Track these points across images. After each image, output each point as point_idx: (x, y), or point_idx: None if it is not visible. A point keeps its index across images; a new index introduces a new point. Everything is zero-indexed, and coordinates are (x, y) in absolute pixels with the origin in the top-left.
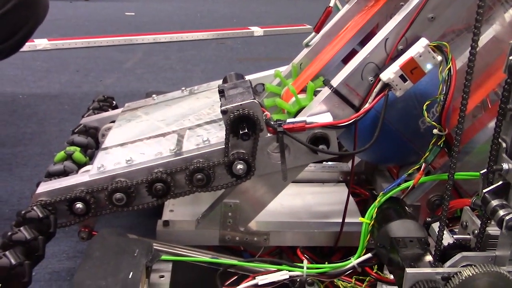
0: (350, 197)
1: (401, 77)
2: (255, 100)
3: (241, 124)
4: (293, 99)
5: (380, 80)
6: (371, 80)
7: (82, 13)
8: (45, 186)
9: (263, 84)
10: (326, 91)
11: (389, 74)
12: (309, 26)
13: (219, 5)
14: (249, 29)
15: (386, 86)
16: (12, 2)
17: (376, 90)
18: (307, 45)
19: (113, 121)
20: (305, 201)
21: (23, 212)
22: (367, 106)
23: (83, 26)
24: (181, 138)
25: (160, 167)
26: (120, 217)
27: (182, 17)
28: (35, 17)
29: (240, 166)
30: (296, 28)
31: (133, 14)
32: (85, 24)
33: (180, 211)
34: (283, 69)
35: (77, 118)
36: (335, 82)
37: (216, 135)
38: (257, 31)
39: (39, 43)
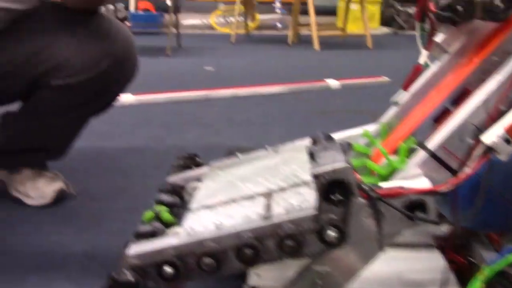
0: (447, 265)
1: (506, 140)
2: (348, 165)
3: (333, 189)
4: (384, 161)
5: (481, 142)
6: (471, 143)
7: (164, 68)
8: (136, 249)
9: (349, 144)
10: (421, 154)
11: (492, 137)
12: (387, 78)
13: (295, 59)
14: (325, 82)
15: (489, 149)
16: (105, 63)
17: (477, 153)
18: (395, 103)
19: (199, 179)
20: (394, 267)
21: (115, 276)
22: (468, 170)
23: (165, 81)
24: (269, 201)
25: (249, 232)
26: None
27: (260, 71)
28: (126, 77)
29: (332, 233)
30: (374, 81)
31: (212, 69)
32: (167, 79)
33: (267, 275)
34: (370, 127)
35: (161, 173)
36: (432, 144)
37: (306, 200)
38: (334, 83)
39: (125, 98)
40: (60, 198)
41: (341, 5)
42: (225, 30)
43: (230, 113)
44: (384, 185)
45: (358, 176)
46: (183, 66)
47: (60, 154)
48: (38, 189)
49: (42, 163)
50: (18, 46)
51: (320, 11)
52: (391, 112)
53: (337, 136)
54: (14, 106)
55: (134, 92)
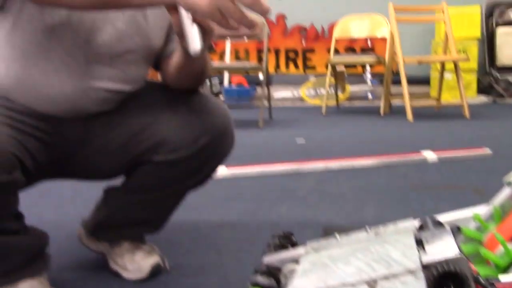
0: None
1: None
2: (462, 256)
3: (446, 282)
4: (501, 249)
5: None
6: None
7: (256, 141)
8: None
9: (458, 227)
10: None
11: None
12: (488, 151)
13: (387, 129)
14: (421, 154)
15: None
16: (204, 139)
17: None
18: (509, 184)
19: (296, 261)
20: None
21: None
22: None
23: (257, 154)
24: None
25: None
26: None
27: (352, 143)
28: (224, 152)
29: None
30: (474, 153)
31: (304, 141)
32: (259, 152)
33: None
34: (480, 209)
35: (253, 249)
36: None
37: None
38: (430, 156)
39: (219, 171)
40: (156, 272)
41: (434, 75)
42: (316, 102)
43: (322, 186)
44: (504, 278)
45: (473, 268)
46: (275, 138)
47: (158, 228)
48: (136, 262)
49: (140, 236)
50: (124, 124)
51: (412, 81)
52: (504, 193)
53: (444, 218)
54: (116, 181)
55: (227, 165)
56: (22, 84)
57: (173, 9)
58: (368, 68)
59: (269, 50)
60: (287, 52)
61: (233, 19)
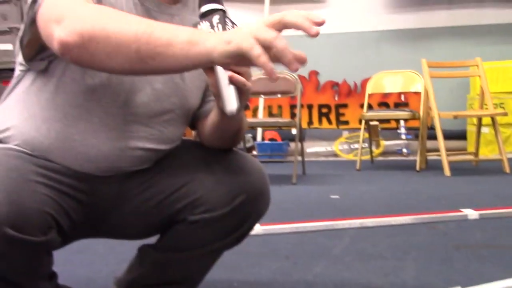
0: None
1: None
2: None
3: None
4: None
5: None
6: None
7: (290, 196)
8: None
9: None
10: None
11: None
12: None
13: (424, 185)
14: (462, 211)
15: None
16: (240, 199)
17: None
18: None
19: None
20: None
21: None
22: None
23: (291, 210)
24: None
25: None
26: None
27: (387, 199)
28: (259, 211)
29: None
30: None
31: (338, 197)
32: (293, 208)
33: None
34: None
35: None
36: None
37: None
38: (472, 214)
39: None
40: None
41: (470, 129)
42: (350, 157)
43: (358, 245)
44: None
45: None
46: (309, 194)
47: (192, 287)
48: None
49: None
50: (159, 183)
51: (448, 136)
52: None
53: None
54: (151, 239)
55: (261, 222)
56: (62, 144)
57: (209, 69)
58: (402, 122)
59: (302, 105)
60: (320, 107)
61: (276, 49)
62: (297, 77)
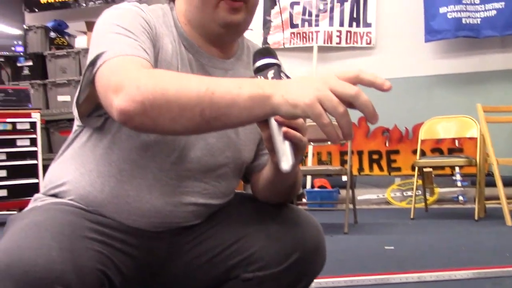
0: None
1: None
2: None
3: None
4: None
5: None
6: None
7: (342, 247)
8: None
9: None
10: None
11: None
12: None
13: (484, 236)
14: None
15: None
16: (295, 256)
17: None
18: None
19: None
20: None
21: None
22: None
23: (343, 261)
24: None
25: None
26: None
27: (446, 250)
28: (315, 268)
29: None
30: None
31: (393, 247)
32: (346, 259)
33: None
34: None
35: None
36: None
37: None
38: None
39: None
40: None
41: None
42: (403, 205)
43: None
44: None
45: None
46: (362, 244)
47: None
48: None
49: None
50: (212, 238)
51: (508, 182)
52: None
53: None
54: None
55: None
56: (116, 199)
57: (264, 124)
58: (457, 169)
59: (352, 151)
60: (370, 153)
61: (335, 115)
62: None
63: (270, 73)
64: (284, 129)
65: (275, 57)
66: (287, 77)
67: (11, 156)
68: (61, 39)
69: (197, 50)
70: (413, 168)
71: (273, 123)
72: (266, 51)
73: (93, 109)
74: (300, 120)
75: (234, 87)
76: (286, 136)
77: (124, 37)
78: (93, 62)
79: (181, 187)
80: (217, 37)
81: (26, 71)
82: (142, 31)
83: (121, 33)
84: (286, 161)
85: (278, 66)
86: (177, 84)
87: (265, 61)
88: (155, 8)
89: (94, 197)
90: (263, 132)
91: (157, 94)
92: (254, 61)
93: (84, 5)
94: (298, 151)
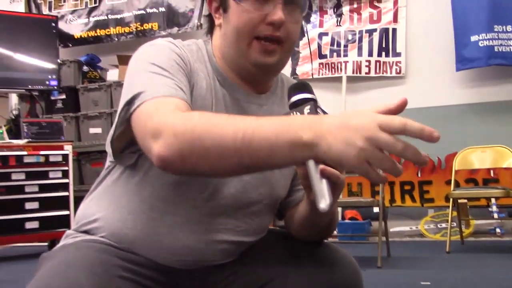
0: None
1: None
2: None
3: None
4: None
5: None
6: None
7: (376, 282)
8: None
9: None
10: None
11: None
12: None
13: None
14: None
15: None
16: None
17: None
18: None
19: None
20: None
21: None
22: None
23: None
24: None
25: None
26: None
27: (485, 286)
28: None
29: None
30: None
31: (429, 283)
32: None
33: None
34: None
35: None
36: None
37: None
38: None
39: None
40: None
41: None
42: (437, 237)
43: None
44: None
45: None
46: (397, 279)
47: None
48: None
49: None
50: (244, 277)
51: None
52: None
53: None
54: None
55: None
56: (147, 237)
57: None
58: (493, 200)
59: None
60: (402, 184)
61: (382, 168)
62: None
63: (306, 109)
64: (321, 166)
65: (311, 92)
66: (324, 112)
67: (43, 188)
68: (94, 72)
69: (231, 84)
70: (446, 199)
71: (310, 160)
72: (302, 86)
73: (125, 146)
74: None
75: (271, 134)
76: (323, 174)
77: (160, 77)
78: (130, 102)
79: (213, 225)
80: (249, 75)
81: (59, 104)
82: (178, 68)
83: (157, 72)
84: (324, 201)
85: (314, 101)
86: (214, 131)
87: (301, 96)
88: (189, 43)
89: (126, 234)
90: (298, 169)
91: (196, 143)
92: (290, 96)
93: (116, 39)
94: (336, 189)
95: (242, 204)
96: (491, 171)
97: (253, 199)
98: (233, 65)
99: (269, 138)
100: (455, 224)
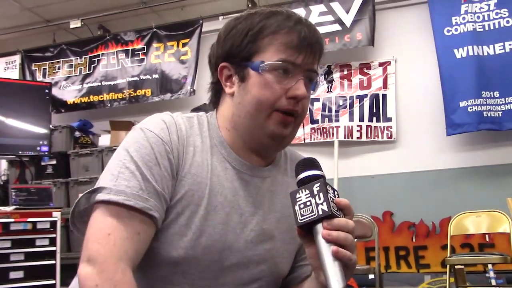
0: None
1: None
2: None
3: None
4: None
5: None
6: None
7: None
8: None
9: None
10: None
11: None
12: None
13: None
14: None
15: None
16: None
17: None
18: None
19: None
20: None
21: None
22: None
23: None
24: None
25: None
26: None
27: None
28: None
29: None
30: None
31: None
32: None
33: None
34: None
35: None
36: None
37: None
38: None
39: None
40: None
41: None
42: None
43: None
44: None
45: None
46: None
47: None
48: None
49: None
50: None
51: None
52: None
53: None
54: None
55: None
56: None
57: (309, 239)
58: (490, 266)
59: (378, 248)
60: (397, 249)
61: None
62: (371, 219)
63: (316, 186)
64: (334, 248)
65: (319, 168)
66: (333, 190)
67: (29, 256)
68: (85, 138)
69: (235, 158)
70: (443, 265)
71: (322, 241)
72: (310, 162)
73: None
74: (350, 237)
75: None
76: (336, 256)
77: (130, 175)
78: (94, 191)
79: None
80: (261, 146)
81: (49, 170)
82: (158, 164)
83: (130, 169)
84: (338, 284)
85: (323, 179)
86: None
87: (310, 173)
88: (191, 116)
89: None
90: (307, 248)
91: None
92: (297, 173)
93: (109, 105)
94: (348, 270)
95: (244, 282)
96: (487, 236)
97: (255, 276)
98: (245, 135)
99: None
100: None
